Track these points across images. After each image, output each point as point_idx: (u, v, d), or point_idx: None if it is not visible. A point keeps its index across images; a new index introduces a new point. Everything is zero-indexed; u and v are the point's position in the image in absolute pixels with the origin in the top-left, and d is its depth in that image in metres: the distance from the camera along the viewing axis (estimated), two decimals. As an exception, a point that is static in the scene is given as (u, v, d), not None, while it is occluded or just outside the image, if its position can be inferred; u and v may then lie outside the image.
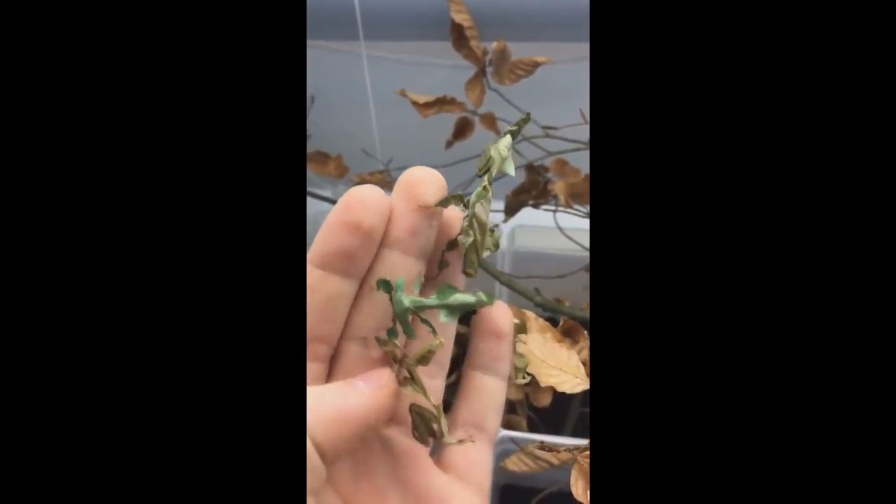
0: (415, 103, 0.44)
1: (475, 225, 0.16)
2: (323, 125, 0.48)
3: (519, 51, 0.40)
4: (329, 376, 0.17)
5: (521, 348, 0.20)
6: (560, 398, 0.43)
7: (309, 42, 0.47)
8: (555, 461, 0.27)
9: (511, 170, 0.17)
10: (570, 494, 0.21)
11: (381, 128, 0.50)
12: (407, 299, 0.16)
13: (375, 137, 0.50)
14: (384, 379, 0.16)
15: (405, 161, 0.49)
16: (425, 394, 0.16)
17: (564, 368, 0.23)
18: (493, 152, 0.17)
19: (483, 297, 0.17)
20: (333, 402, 0.15)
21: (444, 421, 0.17)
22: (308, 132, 0.48)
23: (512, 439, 0.36)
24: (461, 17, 0.39)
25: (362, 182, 0.52)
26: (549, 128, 0.41)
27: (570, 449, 0.21)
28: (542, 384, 0.22)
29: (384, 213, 0.16)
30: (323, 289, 0.16)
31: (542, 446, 0.21)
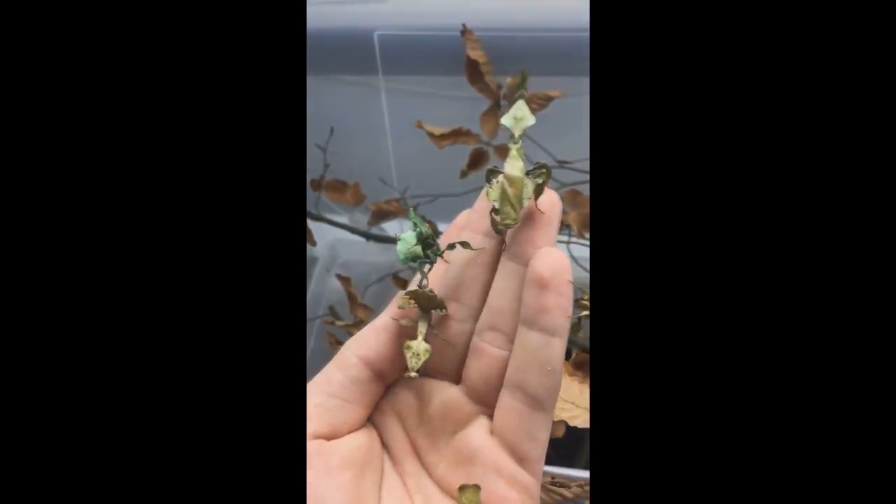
0: (431, 134, 0.45)
1: (506, 182, 0.18)
2: (341, 154, 0.49)
3: (532, 85, 0.41)
4: None
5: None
6: (574, 429, 0.43)
7: (329, 76, 0.49)
8: (568, 494, 0.27)
9: (531, 120, 0.19)
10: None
11: (397, 157, 0.51)
12: (404, 251, 0.19)
13: (392, 167, 0.51)
14: (398, 299, 0.19)
15: (421, 190, 0.50)
16: (415, 331, 0.19)
17: (577, 402, 0.23)
18: (508, 121, 0.19)
19: (428, 229, 0.19)
20: (368, 326, 0.19)
21: (413, 355, 0.18)
22: (327, 161, 0.49)
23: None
24: (476, 54, 0.41)
25: (378, 210, 0.53)
26: (563, 161, 0.42)
27: (581, 484, 0.21)
28: (554, 418, 0.23)
29: None
30: None
31: (554, 481, 0.21)
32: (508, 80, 0.41)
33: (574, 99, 0.41)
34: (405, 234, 0.19)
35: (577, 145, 0.40)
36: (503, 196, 0.18)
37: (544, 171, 0.18)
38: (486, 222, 0.19)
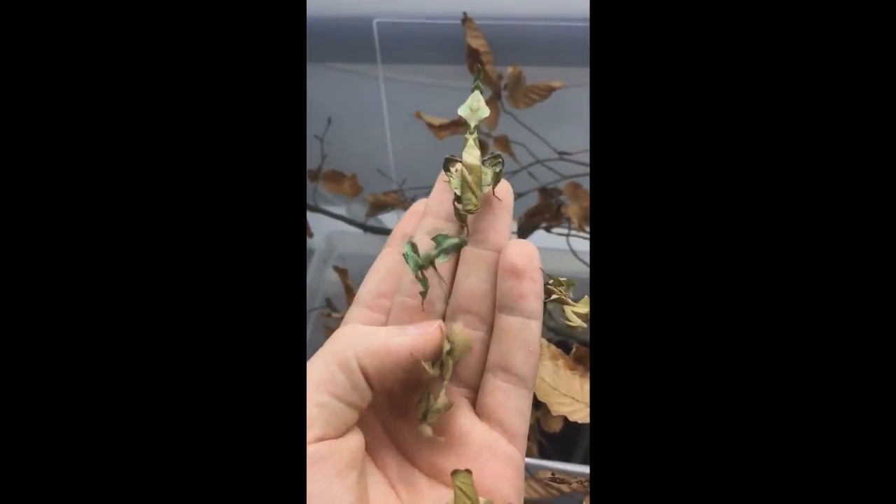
0: (430, 125, 0.44)
1: (465, 170, 0.19)
2: (339, 145, 0.49)
3: (534, 75, 0.41)
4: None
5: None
6: (571, 423, 0.43)
7: (327, 64, 0.48)
8: (567, 490, 0.27)
9: (486, 112, 0.20)
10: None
11: (395, 148, 0.50)
12: (416, 257, 0.19)
13: (390, 158, 0.51)
14: (431, 328, 0.18)
15: (419, 181, 0.49)
16: (441, 384, 0.18)
17: (577, 397, 0.23)
18: (464, 112, 0.20)
19: (464, 237, 0.19)
20: (383, 338, 0.18)
21: (434, 411, 0.18)
22: (324, 151, 0.49)
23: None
24: (477, 43, 0.40)
25: (376, 201, 0.53)
26: (564, 153, 0.41)
27: (581, 480, 0.21)
28: (554, 413, 0.22)
29: None
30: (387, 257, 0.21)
31: (554, 477, 0.21)
32: (509, 69, 0.40)
33: (576, 89, 0.41)
34: (408, 250, 0.19)
35: (578, 136, 0.40)
36: (463, 184, 0.18)
37: (500, 160, 0.19)
38: (445, 208, 0.19)
